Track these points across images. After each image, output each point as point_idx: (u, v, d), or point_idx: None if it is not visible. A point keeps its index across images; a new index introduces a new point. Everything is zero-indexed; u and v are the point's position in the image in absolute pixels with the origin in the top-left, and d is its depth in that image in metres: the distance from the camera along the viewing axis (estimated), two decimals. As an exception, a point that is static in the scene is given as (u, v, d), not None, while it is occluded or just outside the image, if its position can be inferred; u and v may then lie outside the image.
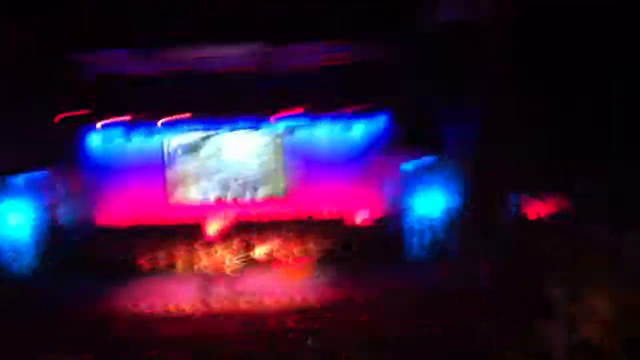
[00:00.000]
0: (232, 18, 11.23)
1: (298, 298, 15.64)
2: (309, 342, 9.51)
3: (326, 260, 19.94)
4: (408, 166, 19.53)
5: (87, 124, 20.49)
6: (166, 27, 11.66)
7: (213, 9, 10.73)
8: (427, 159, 19.51)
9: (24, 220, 18.95)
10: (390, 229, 21.76)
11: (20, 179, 18.83)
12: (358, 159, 22.71)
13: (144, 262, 19.49)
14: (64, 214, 21.74)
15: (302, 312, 14.72)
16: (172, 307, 15.25)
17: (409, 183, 19.59)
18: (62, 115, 17.55)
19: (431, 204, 19.54)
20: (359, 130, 21.30)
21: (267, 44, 13.09)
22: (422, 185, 19.56)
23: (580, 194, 14.07)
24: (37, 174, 19.88)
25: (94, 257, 20.10)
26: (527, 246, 15.23)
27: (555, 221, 16.15)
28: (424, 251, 19.64)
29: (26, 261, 18.94)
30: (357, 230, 21.81)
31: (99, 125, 18.90)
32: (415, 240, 19.74)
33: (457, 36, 12.89)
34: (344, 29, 12.35)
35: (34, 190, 19.40)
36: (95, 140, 22.23)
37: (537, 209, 18.35)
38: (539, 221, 18.32)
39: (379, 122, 19.31)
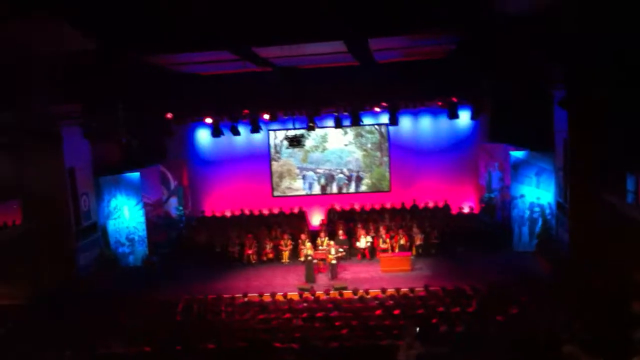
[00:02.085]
0: (319, 15, 11.29)
1: (402, 287, 15.53)
2: (413, 330, 9.38)
3: (430, 249, 19.72)
4: (514, 155, 18.94)
5: (195, 121, 21.29)
6: (262, 28, 11.90)
7: (303, 7, 10.83)
8: (530, 149, 18.87)
9: (136, 213, 19.92)
10: (496, 218, 21.29)
11: (134, 175, 19.84)
12: (460, 149, 22.37)
13: (250, 251, 20.01)
14: (174, 206, 22.78)
15: (406, 301, 14.62)
16: (279, 296, 15.56)
17: (514, 173, 18.99)
18: (171, 113, 18.31)
19: (540, 192, 18.88)
20: (459, 122, 20.90)
21: (355, 39, 13.05)
22: (530, 174, 18.92)
23: None
24: (147, 169, 20.92)
25: (202, 247, 20.89)
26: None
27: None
28: (531, 241, 19.00)
29: (139, 251, 20.00)
30: (461, 219, 21.47)
31: (207, 121, 19.58)
32: (521, 230, 19.14)
33: (533, 27, 12.37)
34: (426, 23, 12.15)
35: (144, 184, 20.37)
36: (203, 136, 23.15)
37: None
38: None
39: (474, 114, 18.88)
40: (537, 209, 19.08)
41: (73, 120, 16.55)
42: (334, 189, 23.30)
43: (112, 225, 19.67)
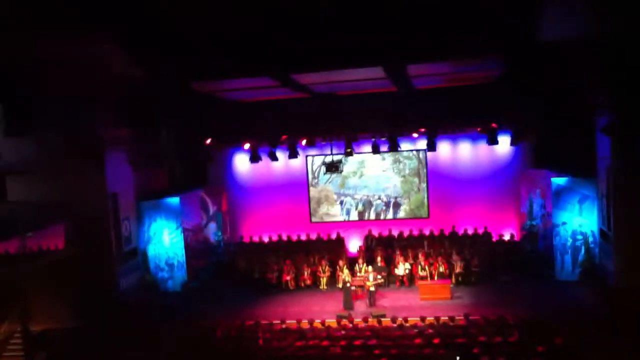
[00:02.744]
0: (359, 41, 11.40)
1: (442, 315, 15.30)
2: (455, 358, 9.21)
3: (470, 277, 19.42)
4: (556, 182, 18.63)
5: (234, 146, 21.52)
6: (302, 54, 12.07)
7: (339, 34, 10.96)
8: (573, 176, 18.56)
9: (176, 238, 20.06)
10: (538, 246, 20.90)
11: (174, 200, 20.06)
12: (501, 176, 22.11)
13: (288, 277, 19.99)
14: (213, 232, 22.94)
15: (446, 329, 14.39)
16: (317, 323, 15.47)
17: (558, 198, 18.66)
18: (210, 139, 18.55)
19: (582, 220, 18.49)
20: (499, 148, 20.72)
21: (393, 65, 13.10)
22: (572, 201, 18.57)
23: None
24: (189, 194, 21.14)
25: (241, 273, 20.95)
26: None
27: None
28: (574, 270, 18.57)
29: (177, 277, 20.10)
30: (503, 246, 21.13)
31: (245, 147, 19.78)
32: (565, 258, 18.72)
33: (567, 54, 12.25)
34: (465, 50, 12.15)
35: (186, 210, 20.58)
36: (241, 161, 23.34)
37: None
38: None
39: (514, 140, 18.76)
40: (579, 237, 18.66)
41: (118, 145, 16.87)
42: (372, 215, 23.19)
43: (152, 250, 19.88)
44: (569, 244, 18.76)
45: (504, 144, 20.22)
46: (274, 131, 18.67)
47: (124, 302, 17.40)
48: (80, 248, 16.47)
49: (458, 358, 7.29)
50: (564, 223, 18.72)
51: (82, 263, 16.49)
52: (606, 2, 10.84)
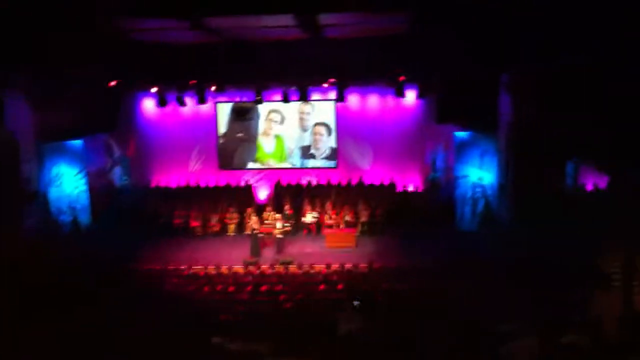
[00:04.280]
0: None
1: (346, 263, 15.73)
2: (355, 304, 9.55)
3: (375, 226, 19.98)
4: (459, 136, 19.30)
5: (142, 90, 20.86)
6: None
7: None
8: (475, 131, 19.25)
9: (81, 182, 19.52)
10: (440, 197, 21.64)
11: (77, 143, 19.35)
12: (406, 129, 22.52)
13: (196, 223, 19.91)
14: (119, 176, 22.39)
15: (349, 276, 14.84)
16: (224, 269, 15.57)
17: (460, 152, 19.37)
18: (116, 81, 17.90)
19: (482, 173, 19.30)
20: (405, 101, 21.13)
21: (303, 13, 13.04)
22: (473, 155, 19.32)
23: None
24: (93, 137, 20.46)
25: (147, 218, 20.64)
26: (585, 217, 14.90)
27: (614, 191, 15.76)
28: (475, 220, 19.47)
29: (82, 222, 19.59)
30: (407, 197, 21.75)
31: (153, 90, 19.23)
32: (465, 209, 19.57)
33: (485, 10, 12.62)
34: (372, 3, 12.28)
35: (90, 153, 19.95)
36: (149, 106, 22.69)
37: (594, 180, 17.97)
38: (596, 192, 17.94)
39: (420, 93, 19.15)
40: (479, 189, 19.50)
41: (17, 85, 16.01)
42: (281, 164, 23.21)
43: (53, 192, 19.19)
44: (469, 195, 19.60)
45: (411, 98, 20.59)
46: (182, 75, 18.24)
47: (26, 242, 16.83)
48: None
49: (357, 302, 7.63)
50: (465, 176, 19.51)
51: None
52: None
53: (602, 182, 17.60)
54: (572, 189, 17.36)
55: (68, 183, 19.38)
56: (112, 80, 18.08)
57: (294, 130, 22.69)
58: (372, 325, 7.03)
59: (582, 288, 12.95)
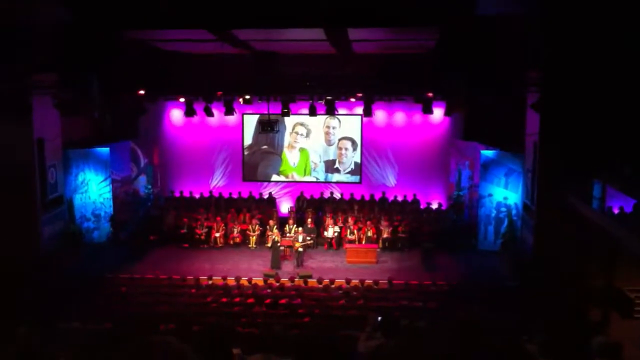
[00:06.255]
0: (302, 1, 11.33)
1: (367, 279, 15.62)
2: (375, 321, 9.42)
3: (397, 243, 19.84)
4: (485, 155, 19.14)
5: (169, 99, 21.03)
6: (243, 9, 11.84)
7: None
8: (501, 150, 19.07)
9: (105, 190, 19.68)
10: (463, 216, 21.48)
11: (103, 150, 19.55)
12: (432, 146, 22.44)
13: (217, 234, 19.94)
14: (143, 185, 22.55)
15: (369, 292, 14.73)
16: (244, 280, 15.53)
17: (485, 171, 19.20)
18: (144, 90, 18.06)
19: (507, 192, 19.10)
20: (433, 118, 21.07)
21: (333, 28, 13.07)
22: (499, 174, 19.14)
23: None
24: (119, 145, 20.65)
25: (169, 227, 20.71)
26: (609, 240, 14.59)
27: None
28: (496, 241, 19.25)
29: (104, 228, 19.78)
30: (429, 215, 21.61)
31: (180, 100, 19.38)
32: (489, 228, 19.37)
33: (511, 28, 12.53)
34: (402, 18, 12.25)
35: (116, 161, 20.12)
36: (176, 115, 22.87)
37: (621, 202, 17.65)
38: (622, 215, 17.61)
39: (447, 111, 19.05)
40: (503, 209, 19.30)
41: (46, 90, 16.21)
42: (305, 178, 23.23)
43: (78, 199, 19.40)
44: (493, 215, 19.41)
45: (438, 115, 20.53)
46: (210, 86, 18.37)
47: (45, 251, 16.99)
48: (3, 194, 15.85)
49: (380, 319, 7.50)
50: (489, 195, 19.32)
51: (3, 209, 15.90)
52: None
53: (628, 205, 17.30)
54: (599, 212, 17.05)
55: (93, 190, 19.55)
56: (139, 89, 18.24)
57: (319, 144, 22.76)
58: (393, 343, 6.91)
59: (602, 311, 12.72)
